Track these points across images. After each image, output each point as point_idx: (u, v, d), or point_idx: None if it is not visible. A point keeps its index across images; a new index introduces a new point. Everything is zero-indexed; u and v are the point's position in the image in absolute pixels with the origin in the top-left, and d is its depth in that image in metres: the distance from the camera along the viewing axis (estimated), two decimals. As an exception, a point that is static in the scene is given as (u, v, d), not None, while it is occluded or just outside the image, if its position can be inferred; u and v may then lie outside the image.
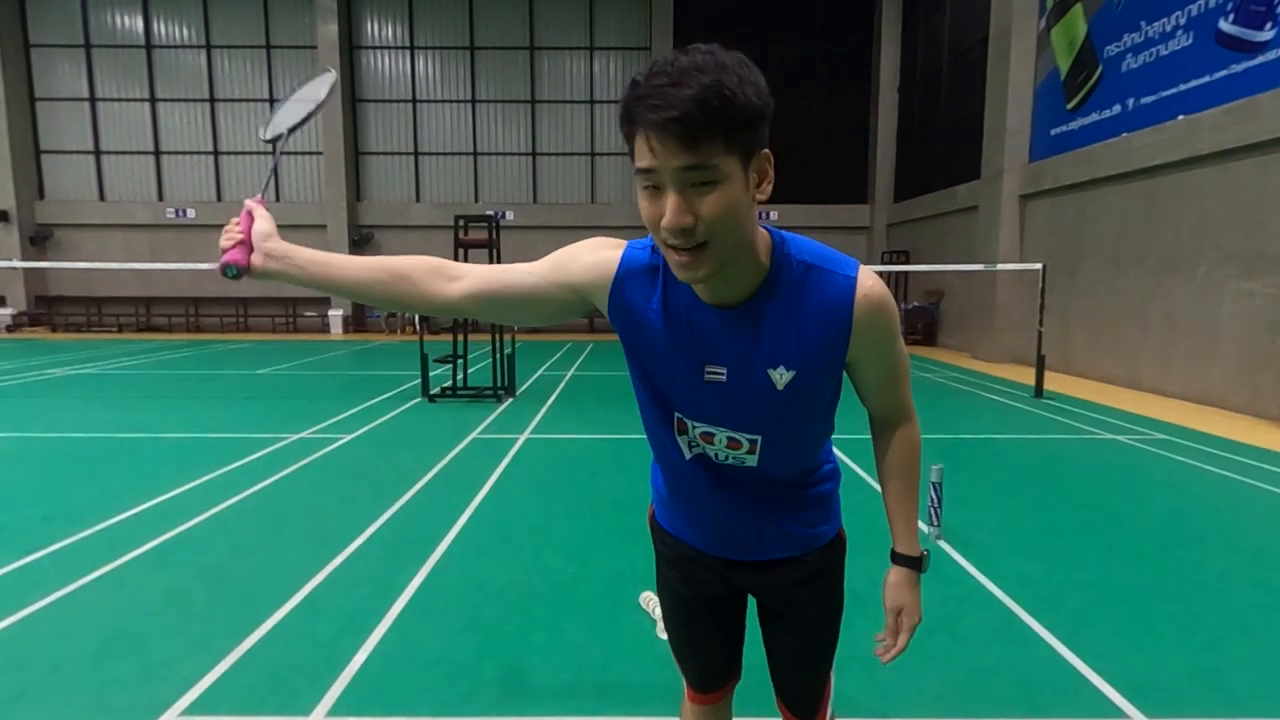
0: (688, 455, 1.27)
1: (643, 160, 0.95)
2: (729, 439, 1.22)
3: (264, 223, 1.24)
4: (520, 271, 1.21)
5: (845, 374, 1.21)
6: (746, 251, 1.05)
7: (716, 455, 1.25)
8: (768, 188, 1.01)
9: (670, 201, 0.95)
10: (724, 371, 1.14)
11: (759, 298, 1.10)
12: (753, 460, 1.24)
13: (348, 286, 1.20)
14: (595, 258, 1.18)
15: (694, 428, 1.23)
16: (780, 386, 1.13)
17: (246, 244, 1.22)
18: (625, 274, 1.16)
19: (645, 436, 1.34)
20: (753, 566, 1.36)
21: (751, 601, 1.47)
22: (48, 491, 4.81)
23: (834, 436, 1.41)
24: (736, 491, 1.28)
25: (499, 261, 8.47)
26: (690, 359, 1.15)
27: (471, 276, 1.20)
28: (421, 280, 1.19)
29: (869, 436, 1.38)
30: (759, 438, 1.20)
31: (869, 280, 1.10)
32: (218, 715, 2.32)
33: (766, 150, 0.99)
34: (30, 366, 11.54)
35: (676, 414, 1.24)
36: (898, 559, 1.33)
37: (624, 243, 1.20)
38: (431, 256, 1.23)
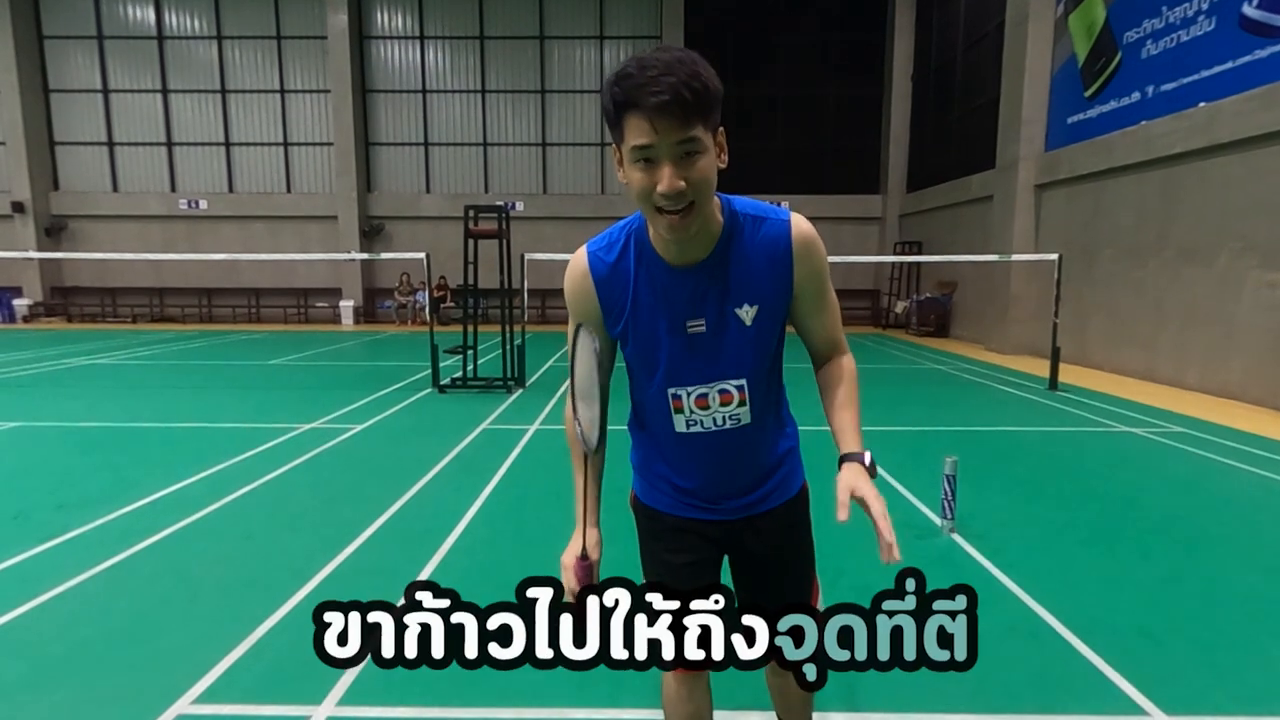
0: (684, 430, 1.44)
1: (641, 138, 1.16)
2: (721, 393, 1.40)
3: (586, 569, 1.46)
4: (580, 360, 1.41)
5: (790, 318, 1.42)
6: (710, 214, 1.28)
7: (715, 420, 1.42)
8: (725, 158, 1.24)
9: (666, 171, 1.16)
10: (703, 322, 1.36)
11: (718, 251, 1.33)
12: (745, 413, 1.42)
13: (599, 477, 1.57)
14: (575, 291, 1.41)
15: (688, 397, 1.41)
16: (748, 322, 1.36)
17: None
18: (600, 277, 1.38)
19: (626, 426, 1.55)
20: (732, 525, 1.53)
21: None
22: (62, 480, 4.84)
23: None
24: (735, 455, 1.46)
25: (510, 250, 8.51)
26: (673, 319, 1.36)
27: (581, 390, 1.44)
28: (576, 437, 1.48)
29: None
30: (744, 382, 1.40)
31: (800, 221, 1.35)
32: (228, 704, 2.33)
33: (722, 127, 1.23)
34: (46, 356, 11.66)
35: (671, 390, 1.41)
36: (845, 459, 1.34)
37: (582, 253, 1.40)
38: (570, 404, 1.50)
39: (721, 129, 1.23)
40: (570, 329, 1.40)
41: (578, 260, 1.40)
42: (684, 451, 1.48)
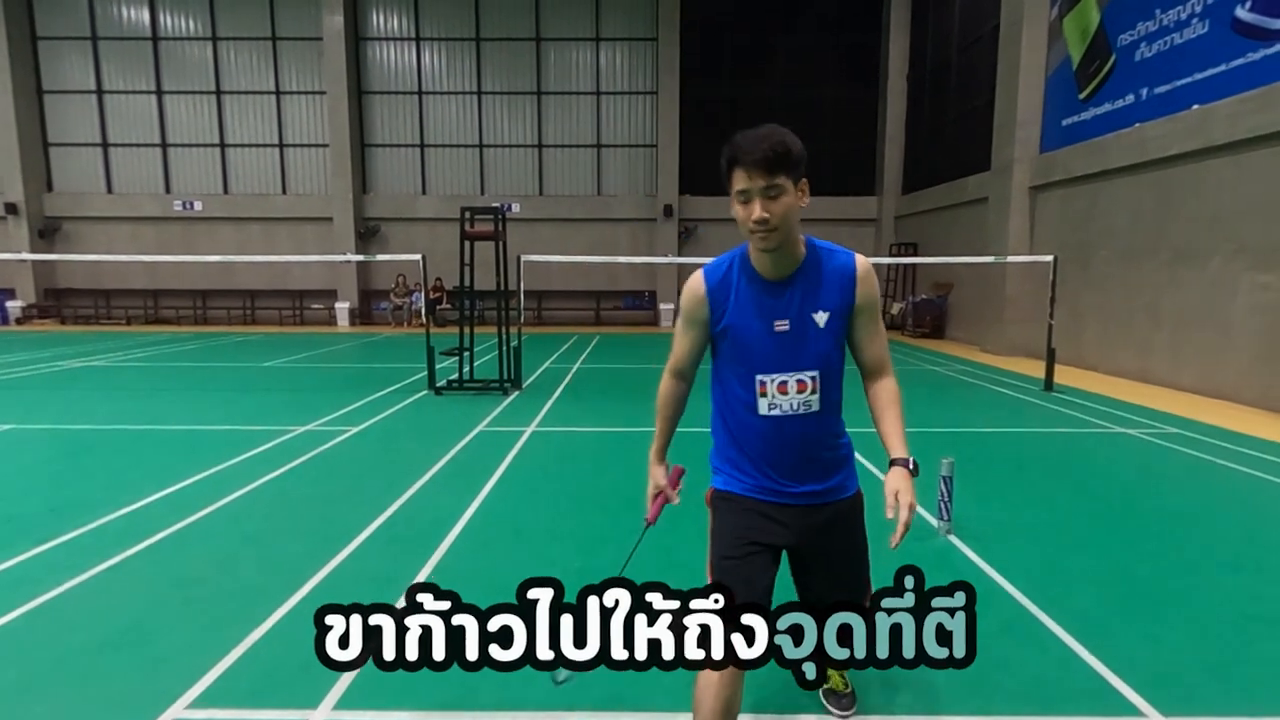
0: (766, 413, 1.81)
1: (741, 184, 1.67)
2: (798, 382, 1.80)
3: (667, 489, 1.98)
4: (677, 342, 1.95)
5: (848, 338, 1.85)
6: (794, 239, 1.75)
7: (792, 405, 1.80)
8: (805, 199, 1.71)
9: (756, 205, 1.66)
10: (788, 322, 1.78)
11: (801, 271, 1.78)
12: (815, 401, 1.80)
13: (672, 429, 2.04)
14: (691, 298, 1.86)
15: (772, 384, 1.80)
16: (821, 325, 1.78)
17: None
18: (711, 287, 1.83)
19: (709, 429, 1.96)
20: (800, 511, 1.85)
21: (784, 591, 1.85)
22: (57, 483, 4.82)
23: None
24: (808, 443, 1.84)
25: (506, 252, 8.50)
26: (765, 319, 1.78)
27: (674, 368, 1.97)
28: (680, 395, 2.01)
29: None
30: (817, 374, 1.79)
31: (862, 257, 1.82)
32: (224, 708, 2.31)
33: (805, 179, 1.71)
34: (40, 359, 11.60)
35: (758, 377, 1.80)
36: (894, 463, 1.78)
37: (700, 271, 1.86)
38: (666, 379, 1.99)
39: (805, 180, 1.71)
40: (679, 325, 1.93)
41: (696, 276, 1.86)
42: (764, 433, 1.83)
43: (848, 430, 1.92)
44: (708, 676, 1.71)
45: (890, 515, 1.71)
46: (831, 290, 1.78)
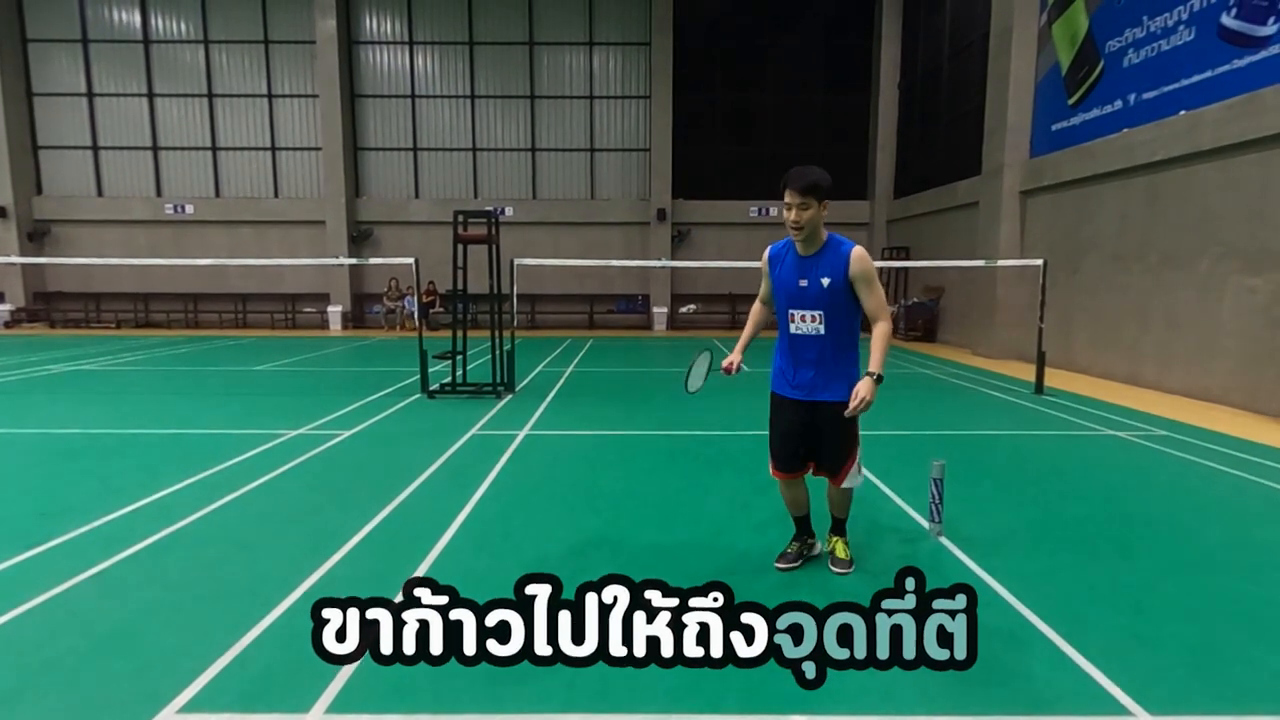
0: (794, 331, 3.18)
1: (787, 199, 3.04)
2: (811, 315, 3.12)
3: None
4: (761, 284, 3.39)
5: (857, 303, 3.13)
6: (818, 233, 3.11)
7: (808, 329, 3.14)
8: (825, 210, 3.07)
9: (792, 213, 3.05)
10: (807, 281, 3.11)
11: (820, 252, 3.13)
12: (822, 328, 3.12)
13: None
14: (764, 261, 3.30)
15: (796, 314, 3.15)
16: (825, 286, 3.08)
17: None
18: (772, 256, 3.27)
19: (772, 354, 3.38)
20: (816, 406, 3.19)
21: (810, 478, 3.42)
22: (46, 488, 4.79)
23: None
24: (815, 355, 3.16)
25: (499, 255, 8.53)
26: (795, 279, 3.14)
27: (760, 298, 3.48)
28: (765, 313, 3.51)
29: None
30: (822, 312, 3.11)
31: (857, 246, 3.14)
32: (215, 712, 2.30)
33: (827, 199, 3.05)
34: (29, 363, 11.51)
35: (789, 310, 3.16)
36: (867, 374, 2.99)
37: (769, 247, 3.29)
38: (756, 304, 3.53)
39: (826, 200, 3.01)
40: (763, 279, 3.33)
41: (766, 250, 3.29)
42: (793, 345, 3.20)
43: (857, 370, 3.13)
44: (781, 483, 3.40)
45: (849, 410, 2.96)
46: (834, 266, 3.06)
